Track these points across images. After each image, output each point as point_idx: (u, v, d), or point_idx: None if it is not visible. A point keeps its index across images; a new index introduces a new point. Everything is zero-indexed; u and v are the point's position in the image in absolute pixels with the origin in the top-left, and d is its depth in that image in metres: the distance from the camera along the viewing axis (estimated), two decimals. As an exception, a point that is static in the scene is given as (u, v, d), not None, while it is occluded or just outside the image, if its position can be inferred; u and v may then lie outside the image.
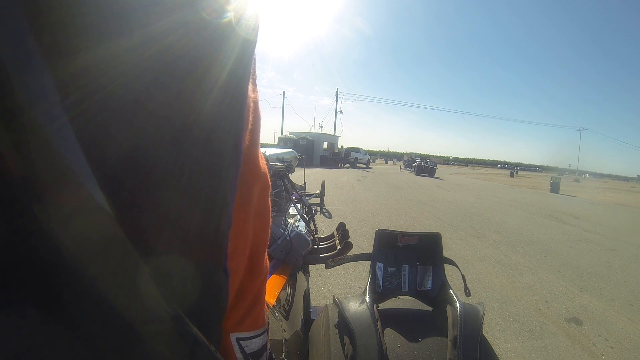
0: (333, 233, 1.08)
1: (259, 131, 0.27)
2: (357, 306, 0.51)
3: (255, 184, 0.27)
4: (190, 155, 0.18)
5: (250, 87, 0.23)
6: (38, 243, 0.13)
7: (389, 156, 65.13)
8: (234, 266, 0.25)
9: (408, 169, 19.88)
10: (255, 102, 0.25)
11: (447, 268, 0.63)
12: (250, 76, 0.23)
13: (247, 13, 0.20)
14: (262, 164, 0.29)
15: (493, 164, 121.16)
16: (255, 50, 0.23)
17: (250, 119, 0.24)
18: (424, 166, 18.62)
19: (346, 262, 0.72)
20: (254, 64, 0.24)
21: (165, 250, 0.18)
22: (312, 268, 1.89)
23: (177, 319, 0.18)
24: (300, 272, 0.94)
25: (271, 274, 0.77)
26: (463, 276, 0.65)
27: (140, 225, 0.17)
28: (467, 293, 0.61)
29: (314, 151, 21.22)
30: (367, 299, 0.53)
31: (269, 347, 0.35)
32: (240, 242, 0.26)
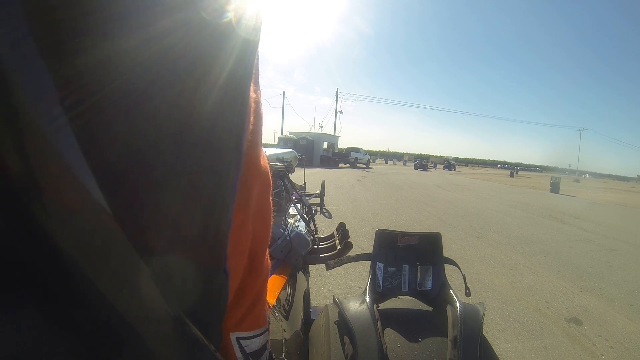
0: (333, 233, 1.08)
1: (261, 131, 0.27)
2: (357, 306, 0.51)
3: (254, 184, 0.27)
4: (191, 155, 0.18)
5: (252, 87, 0.23)
6: (37, 243, 0.13)
7: (389, 156, 65.11)
8: (234, 266, 0.25)
9: (419, 168, 28.16)
10: (257, 102, 0.25)
11: (447, 268, 0.63)
12: (252, 76, 0.22)
13: (248, 13, 0.20)
14: (264, 163, 0.29)
15: (493, 164, 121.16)
16: (257, 50, 0.22)
17: (252, 119, 0.24)
18: (420, 164, 29.17)
19: (347, 263, 0.72)
20: (257, 63, 0.24)
21: (165, 250, 0.18)
22: (312, 268, 1.90)
23: (177, 319, 0.18)
24: (300, 272, 0.94)
25: (271, 274, 0.77)
26: (464, 276, 0.65)
27: (140, 225, 0.17)
28: (468, 293, 0.61)
29: (314, 151, 21.23)
30: (367, 299, 0.53)
31: (269, 347, 0.35)
32: (240, 242, 0.26)
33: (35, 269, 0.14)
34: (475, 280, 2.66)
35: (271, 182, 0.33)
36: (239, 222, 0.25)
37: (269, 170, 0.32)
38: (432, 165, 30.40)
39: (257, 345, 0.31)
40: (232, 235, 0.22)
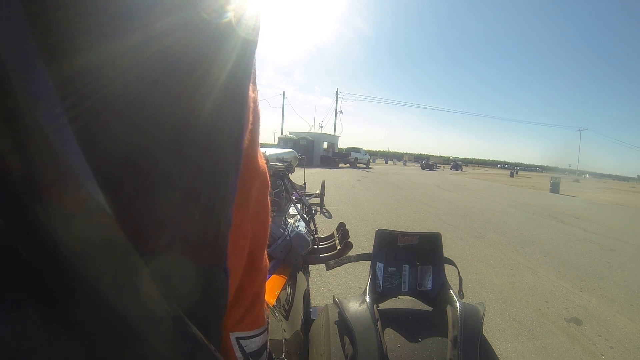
0: (333, 233, 1.08)
1: (259, 130, 0.27)
2: (357, 306, 0.51)
3: (253, 184, 0.27)
4: (190, 155, 0.18)
5: (250, 87, 0.23)
6: (38, 243, 0.13)
7: (389, 156, 65.14)
8: (233, 266, 0.25)
9: (426, 168, 30.33)
10: (255, 102, 0.25)
11: (448, 268, 0.63)
12: (251, 76, 0.22)
13: (247, 13, 0.20)
14: (262, 163, 0.29)
15: (493, 164, 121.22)
16: (256, 50, 0.22)
17: (251, 118, 0.24)
18: (426, 164, 31.43)
19: (347, 263, 0.72)
20: (254, 63, 0.24)
21: (165, 250, 0.18)
22: (312, 268, 1.90)
23: (177, 319, 0.18)
24: (300, 272, 0.94)
25: (271, 274, 0.77)
26: (460, 278, 0.65)
27: (140, 225, 0.17)
28: (461, 295, 0.61)
29: (314, 151, 21.23)
30: (367, 299, 0.53)
31: (268, 347, 0.35)
32: (239, 241, 0.26)
33: (35, 269, 0.14)
34: (475, 280, 2.66)
35: (269, 182, 0.33)
36: (238, 221, 0.25)
37: (267, 170, 0.32)
38: (434, 164, 32.89)
39: (257, 345, 0.31)
40: (232, 234, 0.22)
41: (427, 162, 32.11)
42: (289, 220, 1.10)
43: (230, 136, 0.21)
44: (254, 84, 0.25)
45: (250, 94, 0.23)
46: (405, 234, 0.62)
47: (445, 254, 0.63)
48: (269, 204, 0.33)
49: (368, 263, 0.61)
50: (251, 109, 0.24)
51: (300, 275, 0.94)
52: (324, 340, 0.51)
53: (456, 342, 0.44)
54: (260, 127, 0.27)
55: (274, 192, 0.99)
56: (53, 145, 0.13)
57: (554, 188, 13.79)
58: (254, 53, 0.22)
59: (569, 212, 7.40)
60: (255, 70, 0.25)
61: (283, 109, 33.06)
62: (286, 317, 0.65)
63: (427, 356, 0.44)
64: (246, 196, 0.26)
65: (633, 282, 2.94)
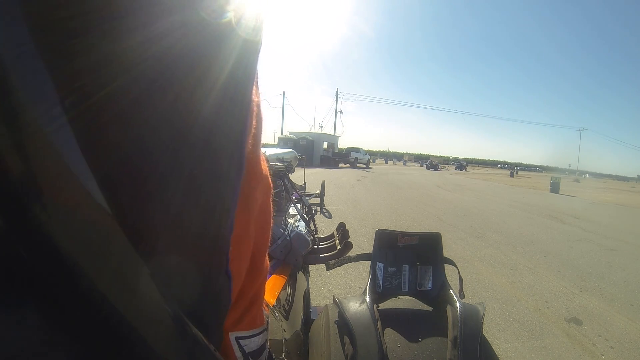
0: (333, 233, 1.08)
1: (261, 134, 0.27)
2: (357, 306, 0.51)
3: (257, 188, 0.27)
4: (190, 157, 0.18)
5: (253, 90, 0.23)
6: (38, 243, 0.13)
7: (389, 156, 65.18)
8: (237, 269, 0.25)
9: (431, 168, 31.63)
10: (259, 106, 0.25)
11: (448, 268, 0.63)
12: (254, 79, 0.22)
13: (248, 13, 0.20)
14: (264, 166, 0.29)
15: (493, 164, 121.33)
16: (259, 52, 0.22)
17: (254, 123, 0.24)
18: (430, 164, 32.94)
19: (347, 263, 0.72)
20: (257, 66, 0.24)
21: (165, 251, 0.18)
22: (312, 268, 1.90)
23: (177, 319, 0.18)
24: (300, 272, 0.94)
25: (271, 274, 0.77)
26: (460, 278, 0.65)
27: (140, 225, 0.17)
28: (462, 295, 0.61)
29: (314, 151, 21.23)
30: (367, 299, 0.53)
31: (268, 346, 0.35)
32: (243, 245, 0.26)
33: (35, 269, 0.14)
34: (475, 280, 2.66)
35: (271, 184, 0.33)
36: (242, 225, 0.25)
37: (269, 173, 0.32)
38: (437, 165, 34.34)
39: (256, 345, 0.31)
40: (236, 238, 0.22)
41: (431, 163, 33.53)
42: (289, 220, 1.10)
43: (231, 138, 0.20)
44: (257, 87, 0.25)
45: (254, 98, 0.23)
46: (405, 234, 0.62)
47: (445, 253, 0.63)
48: (271, 207, 0.33)
49: (368, 263, 0.61)
50: (255, 114, 0.24)
51: (300, 275, 0.94)
52: (324, 340, 0.51)
53: (456, 342, 0.44)
54: (263, 129, 0.27)
55: (274, 192, 0.99)
56: (52, 146, 0.13)
57: (554, 188, 13.80)
58: (256, 55, 0.22)
59: (569, 212, 7.39)
60: (257, 73, 0.25)
61: (283, 109, 33.09)
62: (286, 317, 0.65)
63: (427, 356, 0.45)
64: (251, 200, 0.26)
65: (633, 281, 2.94)
